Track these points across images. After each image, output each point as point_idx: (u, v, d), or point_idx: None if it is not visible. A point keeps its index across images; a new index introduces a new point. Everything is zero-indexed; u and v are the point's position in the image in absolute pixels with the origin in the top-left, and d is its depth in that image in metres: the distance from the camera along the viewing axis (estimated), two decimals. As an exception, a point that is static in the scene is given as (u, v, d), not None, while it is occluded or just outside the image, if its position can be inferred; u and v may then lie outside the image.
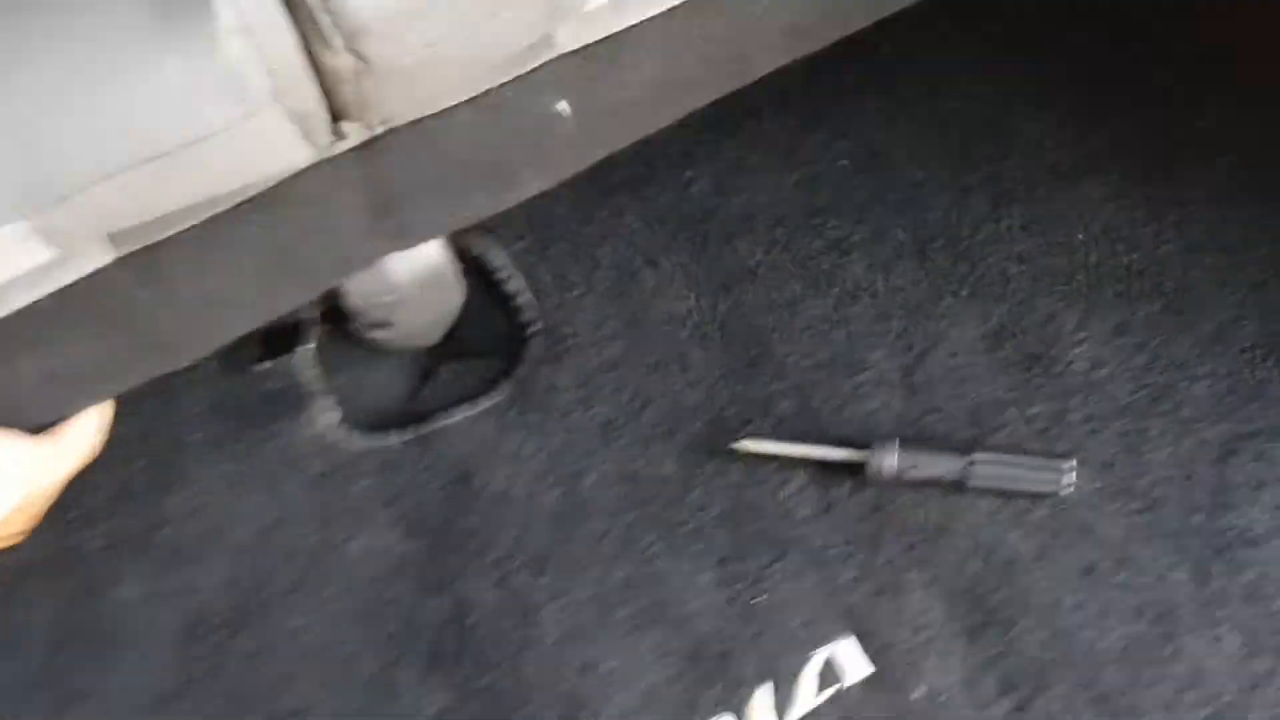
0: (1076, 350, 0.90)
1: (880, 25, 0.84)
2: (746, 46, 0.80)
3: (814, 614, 0.81)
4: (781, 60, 0.85)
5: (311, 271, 0.77)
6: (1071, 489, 0.83)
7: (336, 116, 0.65)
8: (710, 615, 0.82)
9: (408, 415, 0.93)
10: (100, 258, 0.66)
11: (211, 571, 0.86)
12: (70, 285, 0.66)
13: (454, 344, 0.97)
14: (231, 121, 0.57)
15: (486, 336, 0.97)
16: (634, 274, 0.97)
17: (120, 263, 0.67)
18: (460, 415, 0.91)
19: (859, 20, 0.86)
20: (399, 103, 0.66)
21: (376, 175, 0.72)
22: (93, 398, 0.75)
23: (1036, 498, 0.84)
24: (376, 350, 0.95)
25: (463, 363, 0.96)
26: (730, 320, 0.94)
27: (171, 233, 0.67)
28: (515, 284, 0.97)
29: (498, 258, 0.98)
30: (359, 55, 0.59)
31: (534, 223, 0.99)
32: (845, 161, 1.01)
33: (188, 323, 0.73)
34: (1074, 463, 0.83)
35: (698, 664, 0.80)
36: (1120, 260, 0.93)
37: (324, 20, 0.57)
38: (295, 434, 0.91)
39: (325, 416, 0.92)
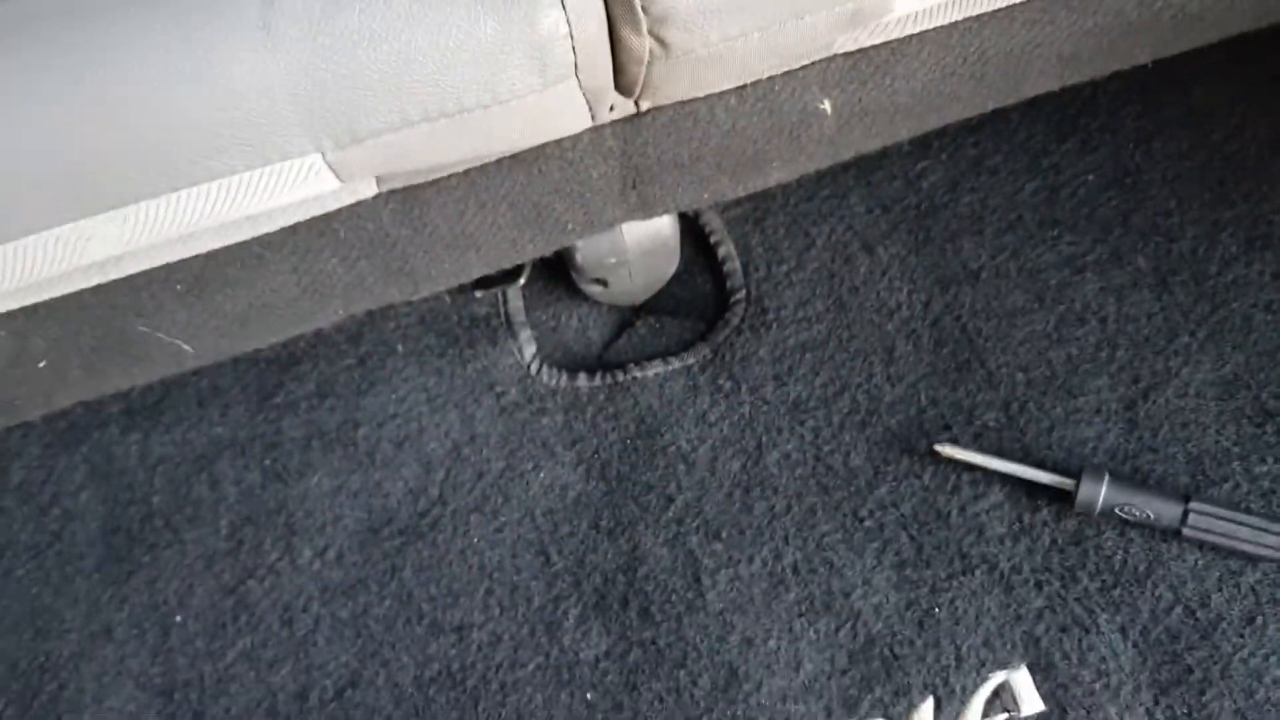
0: (1318, 414, 0.84)
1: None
2: (1021, 69, 0.77)
3: (993, 636, 0.78)
4: (1053, 85, 0.82)
5: (557, 228, 0.77)
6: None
7: (624, 94, 0.65)
8: (883, 615, 0.80)
9: (602, 362, 0.94)
10: (368, 190, 0.67)
11: (400, 477, 0.88)
12: (337, 210, 0.68)
13: (657, 299, 0.97)
14: (531, 89, 0.57)
15: (691, 298, 0.97)
16: (848, 258, 0.94)
17: (385, 197, 0.69)
18: (652, 370, 0.91)
19: (1140, 57, 0.82)
20: (681, 86, 0.65)
21: (634, 150, 0.72)
22: (335, 315, 0.77)
23: (1253, 560, 0.79)
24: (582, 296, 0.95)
25: (661, 319, 0.96)
26: (943, 320, 0.91)
27: (439, 176, 0.68)
28: (725, 250, 0.96)
29: (713, 221, 0.97)
30: (661, 40, 0.59)
31: (755, 194, 0.97)
32: (1092, 176, 0.96)
33: (435, 259, 0.75)
34: (1300, 529, 0.78)
35: (863, 663, 0.78)
36: (1381, 326, 0.87)
37: (638, 3, 0.57)
38: (495, 360, 0.93)
39: (525, 349, 0.93)
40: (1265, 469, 0.82)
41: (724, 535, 0.84)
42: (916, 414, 0.87)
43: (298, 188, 0.59)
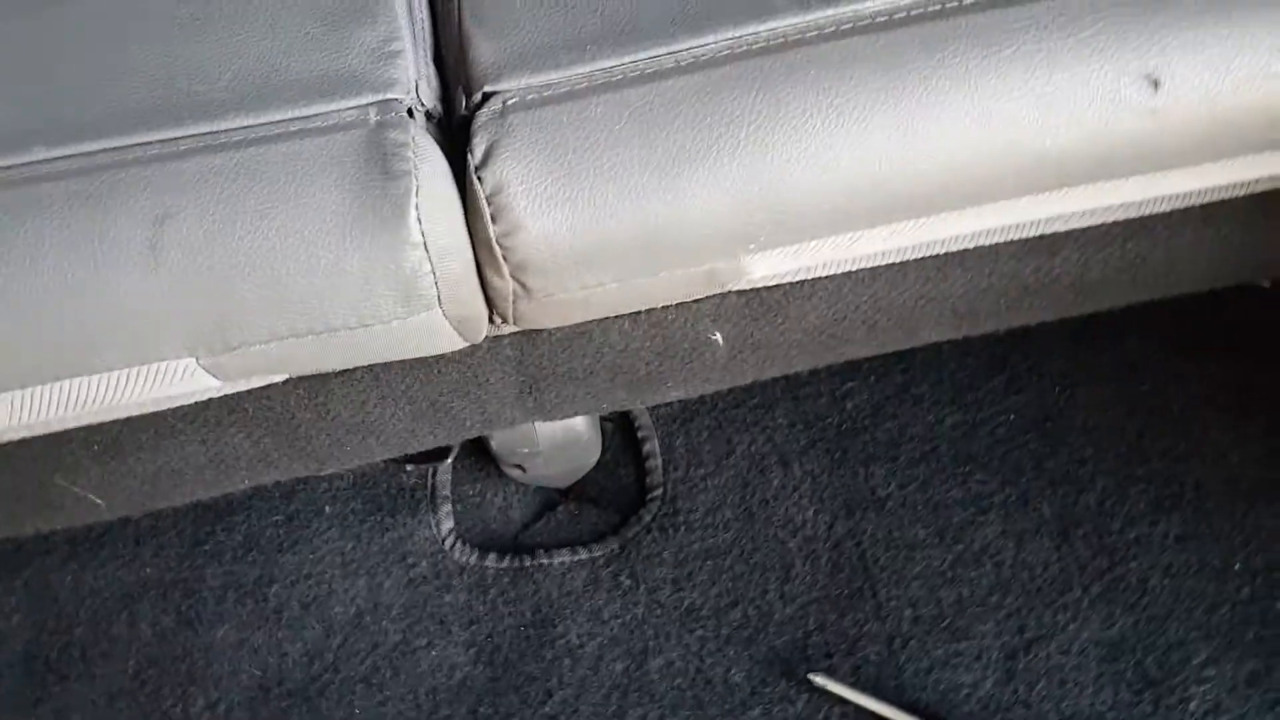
0: (1198, 688, 0.83)
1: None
2: (915, 320, 0.81)
3: None
4: (952, 335, 0.85)
5: (456, 424, 0.82)
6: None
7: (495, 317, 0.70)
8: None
9: (515, 543, 0.97)
10: (278, 376, 0.73)
11: (300, 638, 0.92)
12: (248, 391, 0.74)
13: (582, 485, 1.00)
14: (396, 315, 0.62)
15: (615, 488, 1.00)
16: (764, 469, 0.97)
17: (294, 382, 0.74)
18: (559, 559, 0.94)
19: (1041, 316, 0.85)
20: (552, 319, 0.70)
21: (530, 360, 0.77)
22: (241, 484, 0.83)
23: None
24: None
25: (583, 506, 0.99)
26: (844, 544, 0.93)
27: (344, 369, 0.74)
28: (650, 446, 1.00)
29: (642, 417, 1.01)
30: (522, 284, 0.64)
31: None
32: (1014, 416, 0.98)
33: (338, 442, 0.80)
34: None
35: None
36: (1276, 604, 0.86)
37: (497, 250, 0.62)
38: (412, 531, 0.97)
39: (443, 524, 0.98)
40: (1137, 739, 0.82)
41: (595, 736, 0.86)
42: (803, 636, 0.89)
43: (177, 385, 0.65)
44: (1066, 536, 0.91)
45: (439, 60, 0.67)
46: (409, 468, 1.00)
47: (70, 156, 0.60)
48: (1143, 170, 0.66)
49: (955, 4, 0.62)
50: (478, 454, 1.01)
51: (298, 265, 0.60)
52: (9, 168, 0.60)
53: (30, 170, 0.60)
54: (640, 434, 1.01)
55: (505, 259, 0.62)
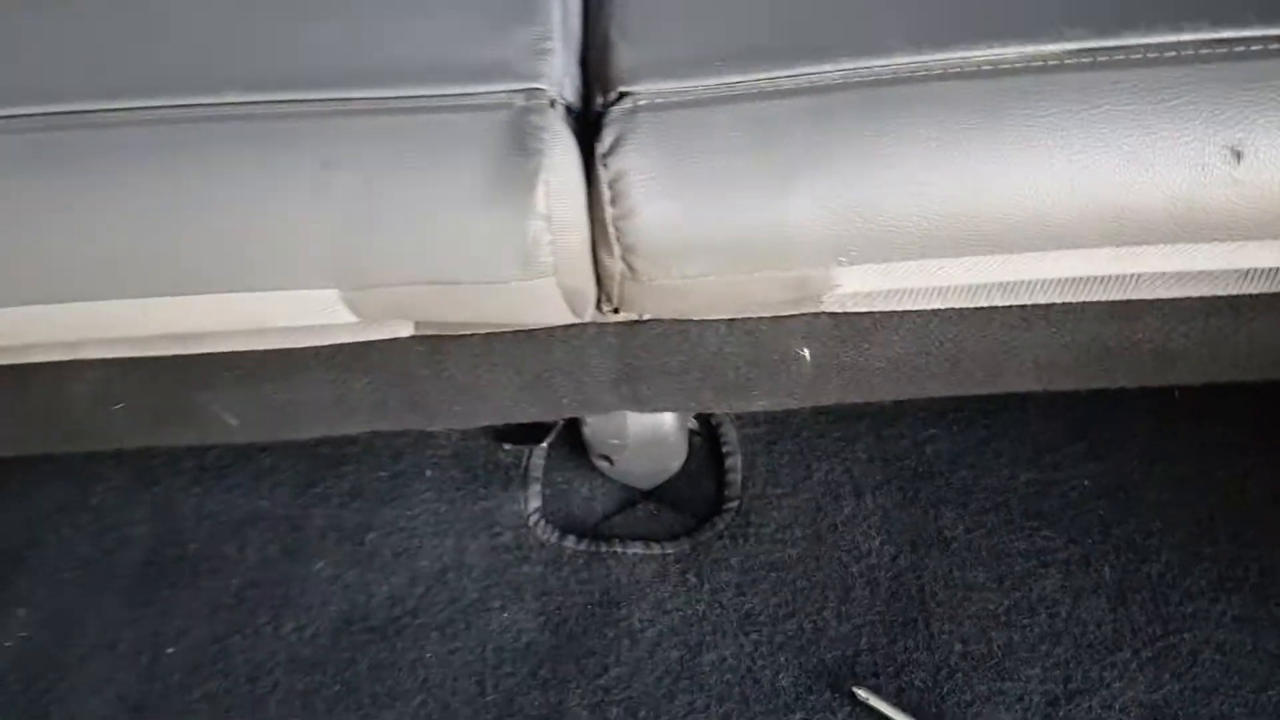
0: (1237, 764, 0.84)
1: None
2: (997, 365, 0.85)
3: None
4: (1033, 386, 0.89)
5: (556, 400, 0.89)
6: None
7: (607, 300, 0.78)
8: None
9: (594, 531, 1.04)
10: (405, 331, 0.82)
11: (387, 583, 0.99)
12: (376, 341, 0.83)
13: (663, 489, 1.06)
14: (515, 277, 0.70)
15: (694, 496, 1.06)
16: (837, 497, 1.02)
17: (417, 340, 0.83)
18: (632, 549, 1.00)
19: (1122, 381, 0.88)
20: (654, 307, 0.77)
21: (630, 350, 0.84)
22: (357, 428, 0.92)
23: None
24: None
25: (661, 508, 1.05)
26: (905, 576, 0.96)
27: (463, 333, 0.82)
28: (732, 461, 1.05)
29: (729, 434, 1.07)
30: (630, 266, 0.71)
31: (775, 418, 1.07)
32: (1088, 482, 1.01)
33: (448, 402, 0.88)
34: None
35: None
36: (1328, 697, 0.86)
37: (611, 231, 0.69)
38: (501, 505, 1.04)
39: (530, 503, 1.05)
40: (1165, 802, 0.83)
41: (641, 715, 0.91)
42: (853, 654, 0.92)
43: (320, 315, 0.74)
44: (1124, 600, 0.93)
45: (583, 63, 0.75)
46: (506, 447, 1.08)
47: (257, 103, 0.70)
48: (1221, 238, 0.69)
49: (1056, 62, 0.67)
50: (570, 445, 1.08)
51: (437, 219, 0.69)
52: (203, 105, 0.70)
53: (221, 111, 0.70)
54: (724, 449, 1.07)
55: (618, 240, 0.69)
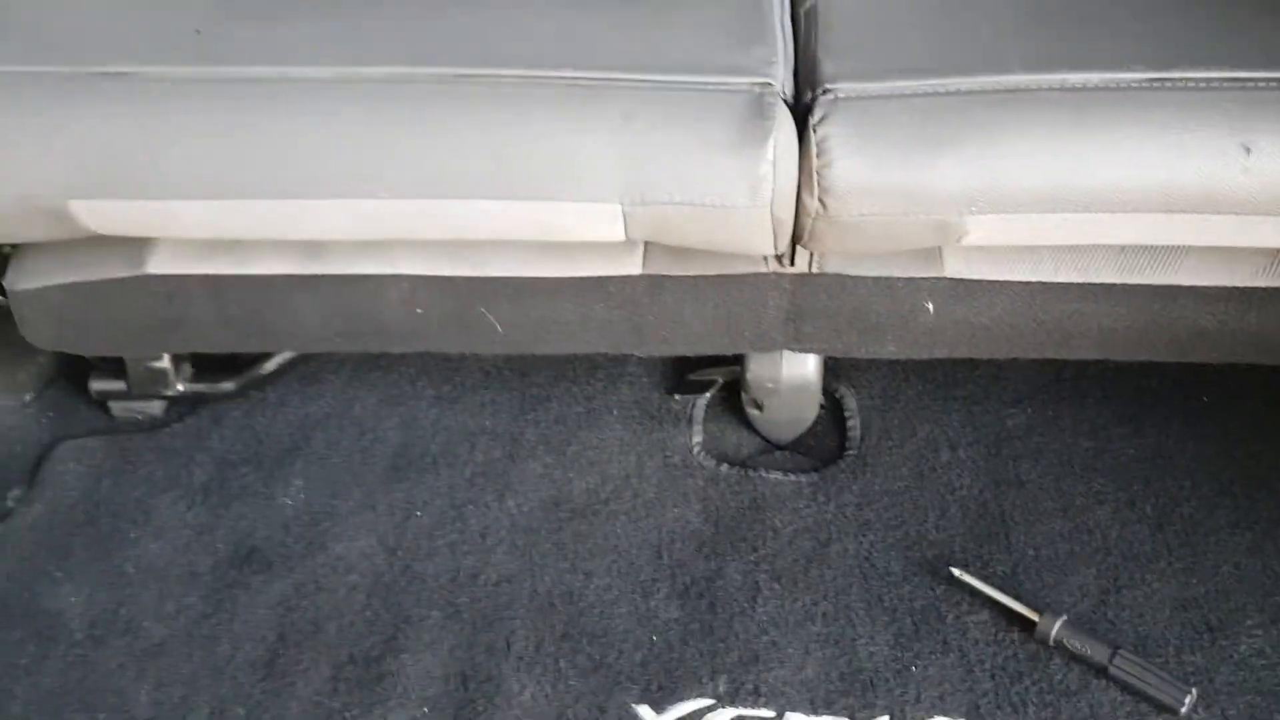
0: (1248, 640, 1.09)
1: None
2: (1069, 329, 1.16)
3: (948, 693, 1.07)
4: (1095, 354, 1.20)
5: (738, 335, 1.21)
6: (1191, 714, 1.02)
7: (796, 241, 1.10)
8: (874, 659, 1.10)
9: (742, 462, 1.32)
10: (635, 270, 1.15)
11: (585, 480, 1.28)
12: (612, 277, 1.15)
13: (796, 444, 1.35)
14: (742, 204, 1.02)
15: (820, 449, 1.34)
16: (936, 450, 1.30)
17: (644, 277, 1.15)
18: (773, 475, 1.29)
19: (1164, 354, 1.18)
20: (832, 243, 1.09)
21: (800, 296, 1.16)
22: (588, 347, 1.24)
23: (1161, 708, 1.04)
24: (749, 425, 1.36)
25: (794, 456, 1.34)
26: (990, 504, 1.24)
27: (686, 274, 1.14)
28: (853, 423, 1.34)
29: (850, 403, 1.36)
30: (823, 204, 1.03)
31: (888, 391, 1.37)
32: (1133, 450, 1.29)
33: (660, 327, 1.19)
34: (1195, 692, 1.03)
35: (849, 681, 1.08)
36: (1321, 600, 1.12)
37: (815, 177, 1.01)
38: (673, 437, 1.33)
39: (695, 438, 1.34)
40: (1192, 659, 1.08)
41: (782, 580, 1.18)
42: (947, 554, 1.19)
43: (597, 229, 1.06)
44: (1161, 528, 1.20)
45: (795, 73, 1.09)
46: (677, 397, 1.38)
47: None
48: (1237, 212, 1.00)
49: (1127, 85, 1.00)
50: (725, 403, 1.38)
51: (700, 158, 1.01)
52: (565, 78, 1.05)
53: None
54: (846, 414, 1.36)
55: (818, 183, 1.01)
